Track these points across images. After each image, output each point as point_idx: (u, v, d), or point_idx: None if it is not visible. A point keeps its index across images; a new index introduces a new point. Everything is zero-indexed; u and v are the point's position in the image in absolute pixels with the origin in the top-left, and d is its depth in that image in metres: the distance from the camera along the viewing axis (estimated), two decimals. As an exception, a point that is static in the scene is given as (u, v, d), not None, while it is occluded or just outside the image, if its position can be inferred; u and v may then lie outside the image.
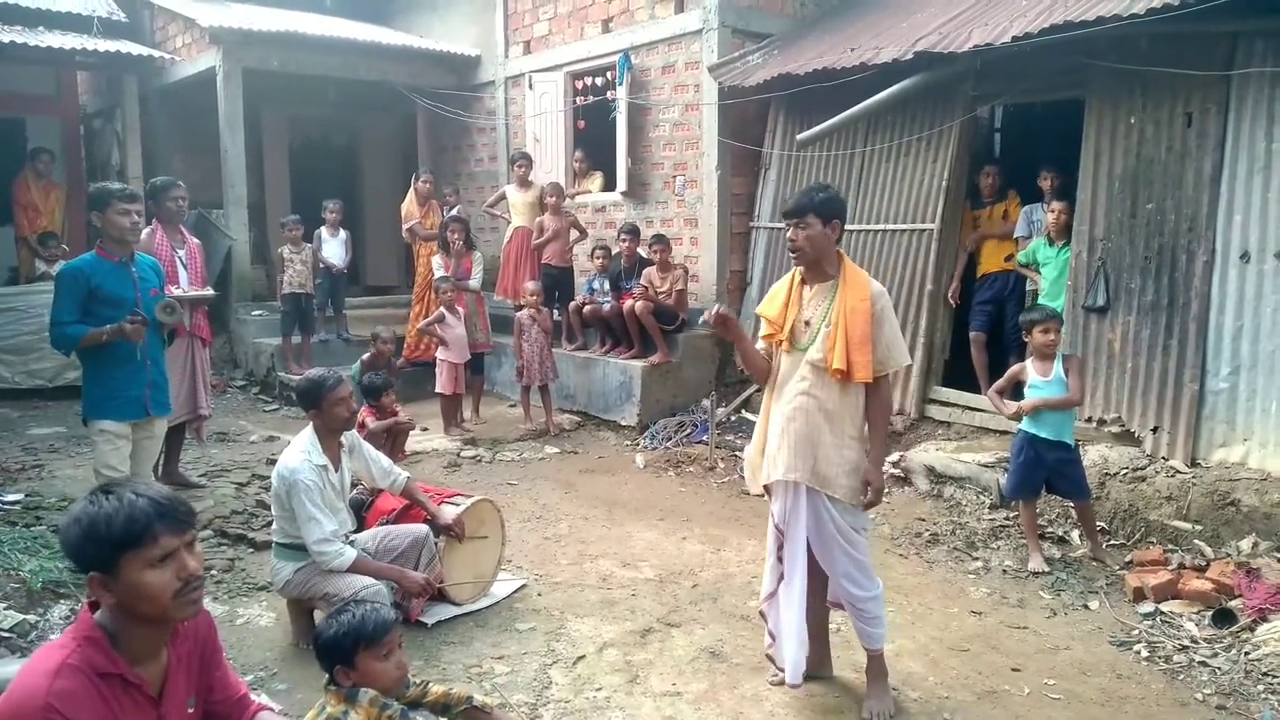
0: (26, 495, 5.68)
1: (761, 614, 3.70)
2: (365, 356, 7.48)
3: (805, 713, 3.53)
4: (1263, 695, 3.70)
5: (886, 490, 6.32)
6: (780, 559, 3.56)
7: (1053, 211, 6.29)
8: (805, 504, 3.47)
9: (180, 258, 5.79)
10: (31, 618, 4.04)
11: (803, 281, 3.55)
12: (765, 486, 3.63)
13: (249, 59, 9.88)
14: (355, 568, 3.91)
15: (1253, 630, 4.16)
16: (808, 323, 3.48)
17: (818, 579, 3.59)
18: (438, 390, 7.73)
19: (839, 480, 3.42)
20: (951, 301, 6.99)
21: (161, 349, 4.75)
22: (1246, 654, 4.00)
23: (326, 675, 2.62)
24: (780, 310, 3.54)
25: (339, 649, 2.54)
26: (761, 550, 5.23)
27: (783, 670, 3.54)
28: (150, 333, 4.57)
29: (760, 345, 3.69)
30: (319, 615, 4.10)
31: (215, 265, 10.01)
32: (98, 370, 4.52)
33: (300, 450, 3.97)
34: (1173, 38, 5.40)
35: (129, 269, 4.54)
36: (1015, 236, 6.87)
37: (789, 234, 3.47)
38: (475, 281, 8.13)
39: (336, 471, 4.04)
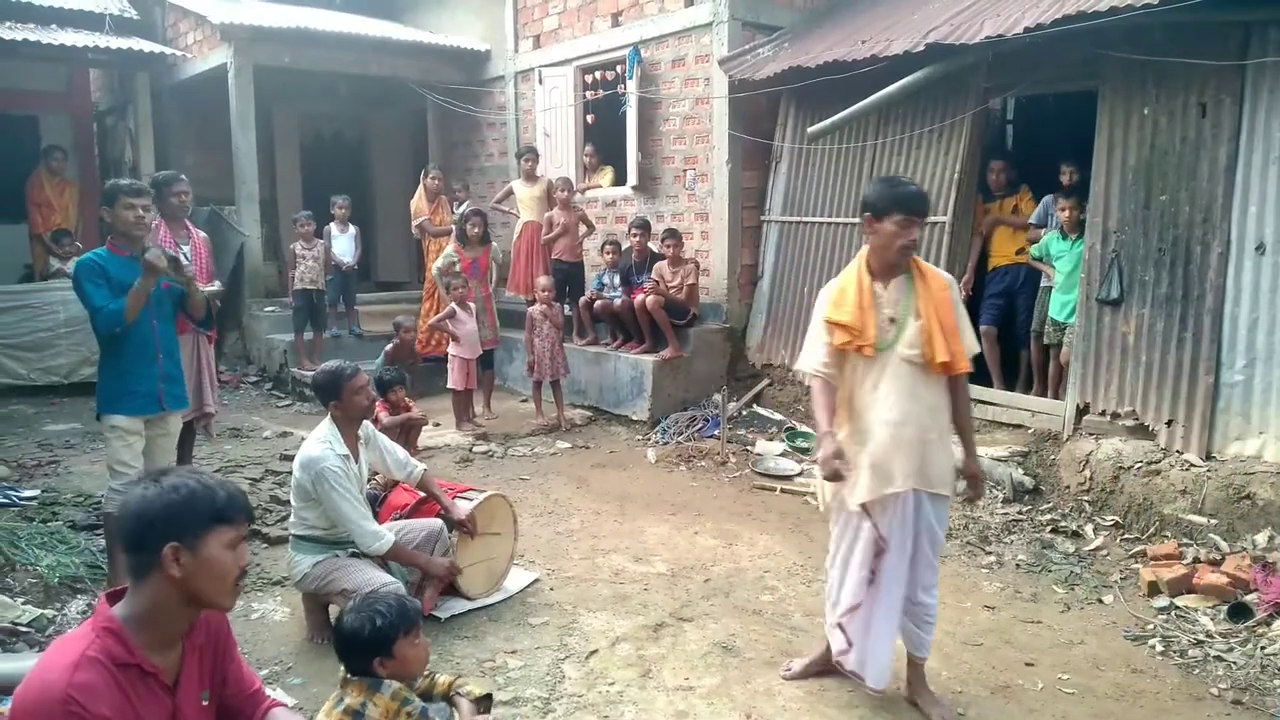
0: (43, 491, 5.73)
1: (839, 627, 3.50)
2: (389, 347, 7.55)
3: (818, 708, 3.53)
4: (1279, 690, 3.69)
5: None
6: (873, 570, 3.37)
7: (1063, 209, 6.26)
8: (911, 512, 3.33)
9: (185, 253, 5.78)
10: (49, 612, 4.08)
11: (872, 279, 3.34)
12: (862, 505, 3.34)
13: (260, 55, 9.90)
14: (392, 553, 3.97)
15: (1268, 624, 4.14)
16: (892, 320, 3.28)
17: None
18: (449, 386, 7.74)
19: (946, 477, 3.33)
20: (964, 293, 6.97)
21: (176, 342, 4.72)
22: (1262, 648, 3.99)
23: (344, 669, 2.64)
24: (856, 313, 3.28)
25: (384, 639, 2.58)
26: (774, 544, 5.26)
27: (856, 675, 3.48)
28: (164, 326, 4.55)
29: (820, 363, 3.36)
30: (334, 610, 4.13)
31: (228, 261, 10.05)
32: (112, 364, 4.50)
33: (321, 440, 4.00)
34: (1186, 27, 5.35)
35: (139, 260, 4.45)
36: (1030, 223, 6.82)
37: (911, 233, 3.24)
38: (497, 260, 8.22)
39: (356, 463, 4.07)
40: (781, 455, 6.98)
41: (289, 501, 4.41)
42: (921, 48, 6.39)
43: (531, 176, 8.99)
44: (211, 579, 1.97)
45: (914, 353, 3.25)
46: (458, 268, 7.92)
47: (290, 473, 4.19)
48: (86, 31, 10.17)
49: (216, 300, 5.95)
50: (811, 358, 3.42)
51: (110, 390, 4.47)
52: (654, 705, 3.53)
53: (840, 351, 3.34)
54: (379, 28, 11.06)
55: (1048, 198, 6.75)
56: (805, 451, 7.05)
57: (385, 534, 3.97)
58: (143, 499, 1.94)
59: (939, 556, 3.47)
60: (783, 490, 6.29)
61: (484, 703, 2.91)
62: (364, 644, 2.60)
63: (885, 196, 3.29)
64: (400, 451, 4.40)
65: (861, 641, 3.44)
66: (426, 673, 2.84)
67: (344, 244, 9.43)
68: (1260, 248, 5.23)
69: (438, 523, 4.30)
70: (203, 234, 6.05)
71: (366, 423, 4.27)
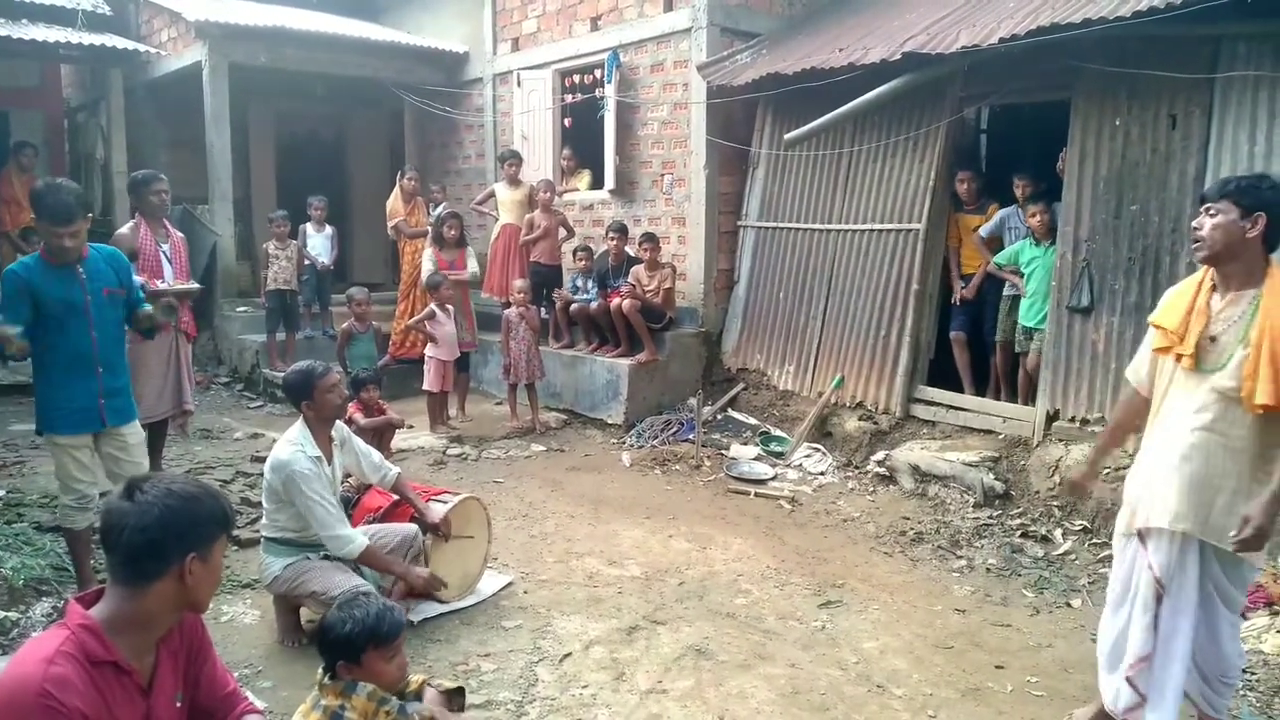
0: (8, 492, 5.64)
1: (1129, 681, 3.06)
2: (345, 325, 7.52)
3: (791, 710, 3.55)
4: (1241, 692, 3.74)
5: (872, 491, 6.36)
6: (1158, 615, 2.99)
7: (1033, 216, 6.32)
8: (1195, 559, 2.95)
9: (165, 252, 5.75)
10: (13, 615, 4.01)
11: (1213, 288, 2.95)
12: (1139, 531, 3.05)
13: (236, 54, 9.82)
14: (364, 557, 3.92)
15: (1233, 628, 4.20)
16: (1214, 339, 2.89)
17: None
18: (426, 387, 7.70)
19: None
20: (958, 300, 7.01)
21: (121, 354, 4.40)
22: (1227, 652, 4.04)
23: (322, 668, 2.61)
24: (1182, 319, 2.93)
25: (349, 645, 2.54)
26: (748, 548, 5.27)
27: None
28: (105, 337, 4.22)
29: (1134, 368, 3.18)
30: (305, 614, 4.10)
31: (200, 261, 9.95)
32: (44, 378, 4.15)
33: (292, 442, 3.96)
34: (1158, 40, 5.44)
35: (74, 270, 4.12)
36: (982, 235, 6.88)
37: (1195, 222, 2.94)
38: (473, 269, 8.19)
39: (329, 465, 4.03)
40: (756, 459, 7.01)
41: (259, 503, 4.38)
42: (898, 56, 6.45)
43: (514, 180, 8.96)
44: (211, 585, 2.05)
45: (1231, 385, 2.83)
46: (434, 267, 7.90)
47: (261, 474, 4.15)
48: (58, 27, 10.05)
49: (188, 299, 5.91)
50: (1133, 360, 3.27)
51: (44, 407, 4.17)
52: (627, 708, 3.53)
53: (1161, 355, 3.04)
54: (356, 28, 11.01)
55: (1004, 211, 6.81)
56: (779, 456, 7.08)
57: (358, 538, 3.93)
58: (167, 508, 1.93)
59: (1237, 624, 3.07)
60: (757, 494, 6.31)
61: (456, 697, 2.90)
62: (331, 643, 2.58)
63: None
64: (375, 454, 4.38)
65: (1151, 698, 3.04)
66: None
67: (320, 244, 9.38)
68: (1228, 257, 5.31)
69: (412, 527, 4.27)
70: (180, 234, 6.01)
71: (342, 425, 4.24)
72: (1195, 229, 2.94)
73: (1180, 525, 2.92)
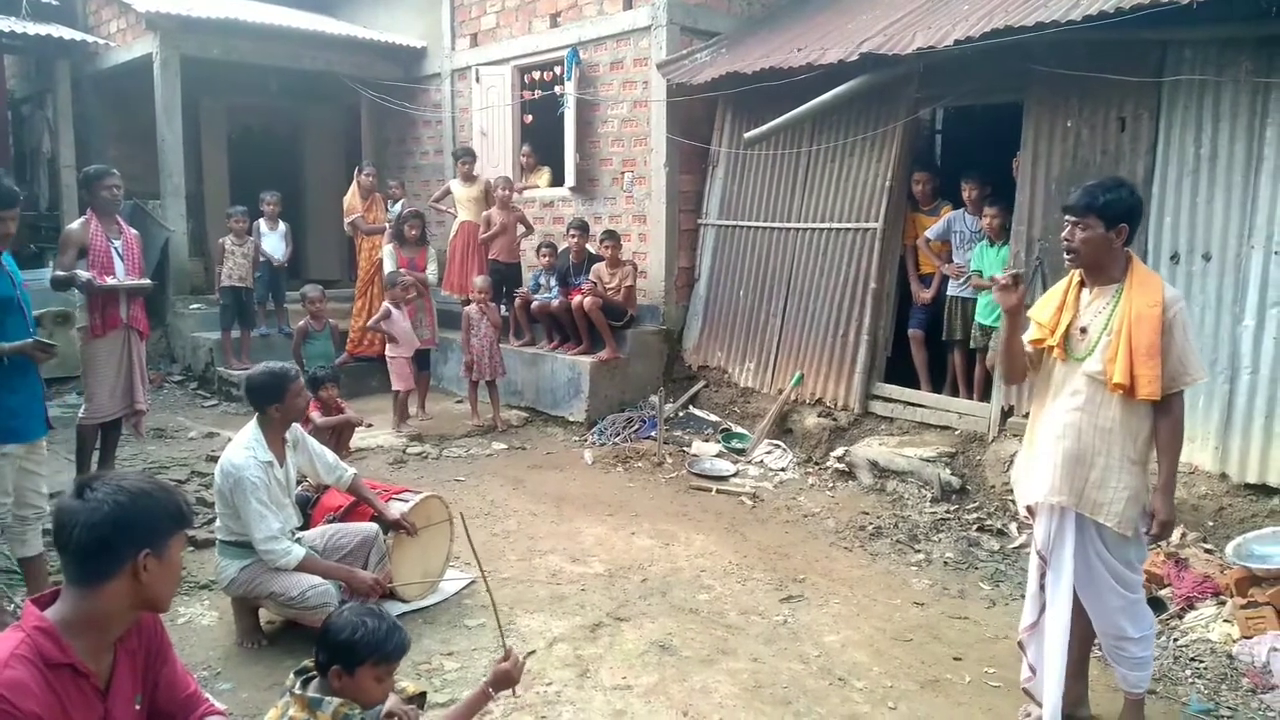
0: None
1: (1020, 645, 3.37)
2: (300, 323, 7.44)
3: (754, 704, 3.58)
4: (1190, 680, 3.86)
5: (832, 486, 6.43)
6: (1042, 587, 3.23)
7: (986, 217, 6.43)
8: (1071, 531, 3.17)
9: (116, 248, 5.64)
10: (-39, 620, 3.92)
11: (1081, 284, 3.21)
12: (1028, 507, 3.34)
13: (188, 46, 9.63)
14: (303, 566, 3.86)
15: (1181, 618, 4.33)
16: (1084, 330, 3.14)
17: (1080, 613, 3.29)
18: (395, 388, 7.61)
19: (1112, 507, 3.09)
20: (924, 298, 7.11)
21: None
22: (1175, 640, 4.17)
23: (293, 675, 2.56)
24: (1054, 314, 3.19)
25: (350, 651, 2.45)
26: (710, 544, 5.31)
27: (1040, 706, 3.27)
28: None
29: (1026, 349, 3.35)
30: (264, 615, 4.06)
31: (152, 257, 9.74)
32: None
33: (244, 446, 3.90)
34: (1108, 45, 5.56)
35: (2, 262, 3.96)
36: (929, 237, 7.00)
37: (1065, 233, 3.15)
38: (432, 276, 8.13)
39: (282, 467, 3.98)
40: (717, 456, 7.05)
41: (214, 504, 4.31)
42: (855, 57, 6.52)
43: (469, 177, 8.90)
44: (169, 584, 2.00)
45: (1097, 369, 3.07)
46: (394, 264, 7.85)
47: (217, 474, 4.08)
48: (2, 16, 9.78)
49: (143, 294, 5.80)
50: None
51: None
52: (591, 705, 3.54)
53: (1035, 347, 3.28)
54: (312, 21, 10.85)
55: (951, 214, 6.92)
56: (740, 452, 7.13)
57: (294, 550, 3.86)
58: (116, 504, 1.89)
59: (1134, 589, 3.22)
60: (718, 491, 6.35)
61: (418, 701, 2.88)
62: (334, 644, 2.50)
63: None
64: (329, 455, 4.33)
65: (1038, 669, 3.28)
66: None
67: (274, 241, 9.23)
68: (1175, 257, 5.45)
69: (373, 527, 4.23)
70: (134, 230, 5.91)
71: (295, 425, 4.18)
72: (1067, 240, 3.15)
73: (1056, 498, 3.15)
